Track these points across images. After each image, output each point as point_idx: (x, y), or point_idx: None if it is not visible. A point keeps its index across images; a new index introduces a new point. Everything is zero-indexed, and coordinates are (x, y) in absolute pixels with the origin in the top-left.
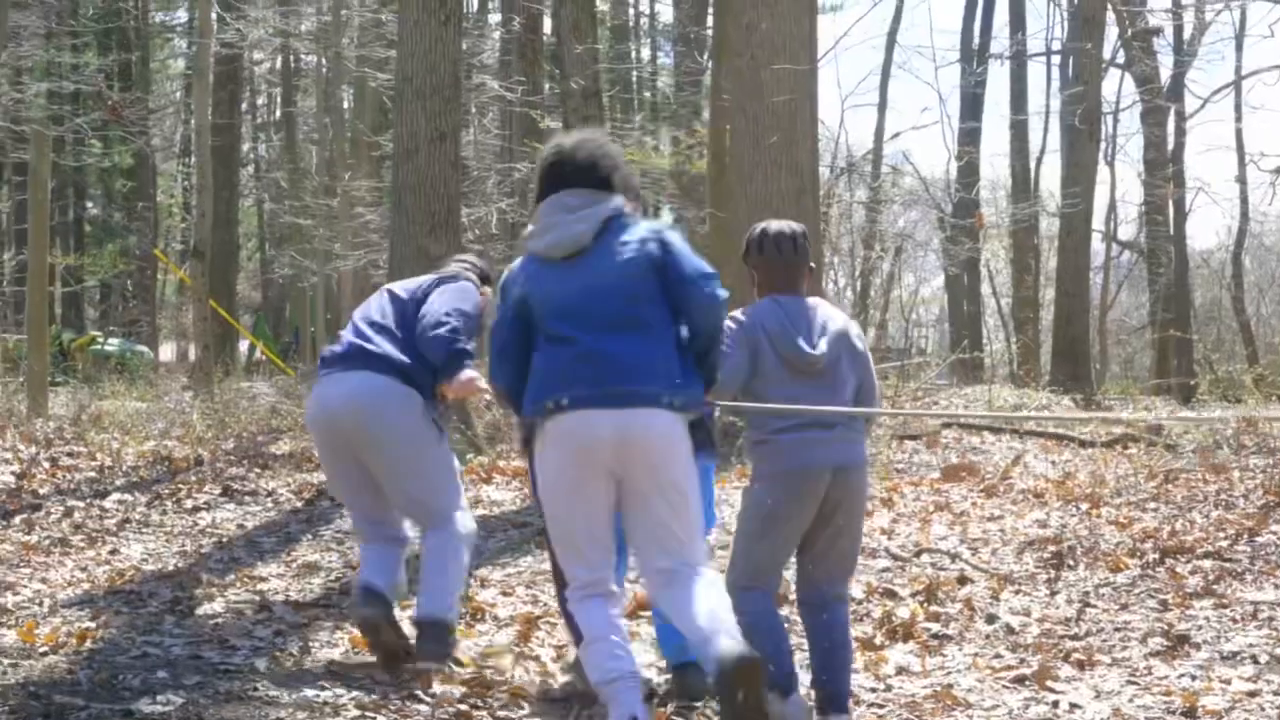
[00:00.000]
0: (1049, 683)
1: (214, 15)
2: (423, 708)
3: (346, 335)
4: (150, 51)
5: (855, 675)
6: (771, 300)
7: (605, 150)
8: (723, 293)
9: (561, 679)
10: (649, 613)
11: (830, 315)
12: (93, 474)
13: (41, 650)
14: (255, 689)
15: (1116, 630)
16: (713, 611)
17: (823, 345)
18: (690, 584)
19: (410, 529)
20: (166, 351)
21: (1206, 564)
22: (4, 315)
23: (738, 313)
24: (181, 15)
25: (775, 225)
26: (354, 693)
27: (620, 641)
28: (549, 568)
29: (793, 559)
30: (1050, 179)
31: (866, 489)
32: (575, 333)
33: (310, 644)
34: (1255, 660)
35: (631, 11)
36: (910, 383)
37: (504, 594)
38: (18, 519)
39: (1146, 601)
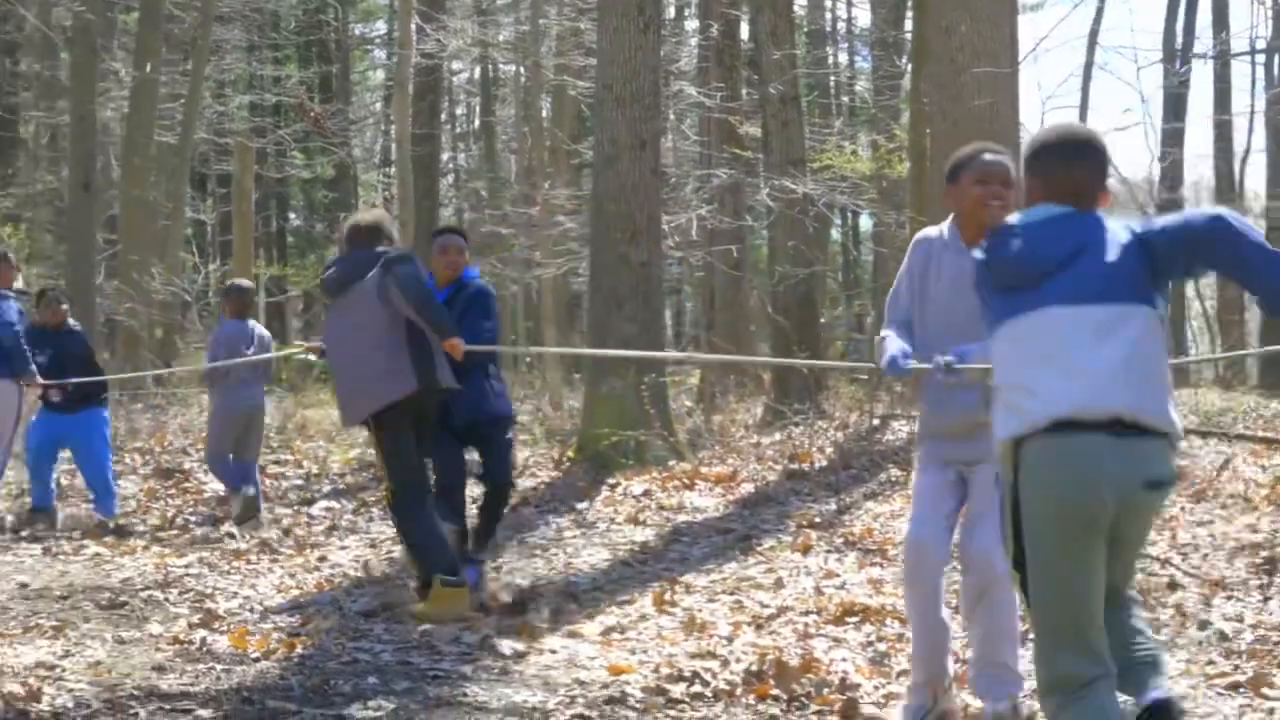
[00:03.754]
0: (1264, 690)
1: (414, 27)
2: (630, 713)
3: None
4: (350, 63)
5: None
6: None
7: None
8: None
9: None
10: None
11: None
12: (299, 482)
13: (253, 656)
14: (464, 694)
15: None
16: None
17: None
18: None
19: None
20: None
21: None
22: (210, 325)
23: None
24: (381, 27)
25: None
26: (561, 695)
27: None
28: (752, 574)
29: None
30: (1255, 179)
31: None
32: None
33: (518, 649)
34: None
35: (829, 16)
36: None
37: (709, 600)
38: (227, 526)
39: None
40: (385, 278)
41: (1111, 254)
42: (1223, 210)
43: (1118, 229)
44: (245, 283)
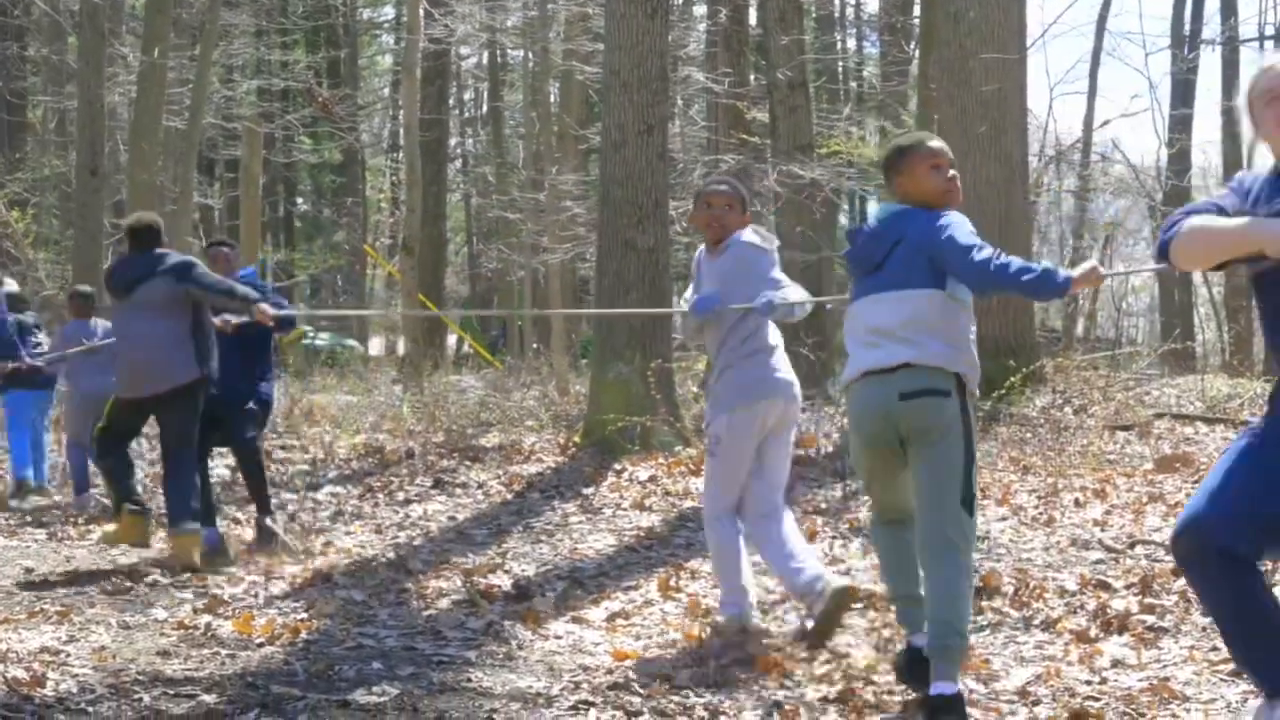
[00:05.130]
0: None
1: (422, 11)
2: (634, 699)
3: None
4: (359, 48)
5: (1070, 668)
6: None
7: None
8: None
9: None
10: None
11: None
12: (305, 467)
13: (258, 641)
14: (469, 679)
15: None
16: None
17: None
18: None
19: None
20: (375, 345)
21: None
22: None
23: None
24: (389, 12)
25: None
26: (565, 681)
27: None
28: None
29: None
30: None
31: None
32: None
33: (522, 635)
34: None
35: (837, 1)
36: (1121, 372)
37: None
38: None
39: None
40: (182, 281)
41: (914, 251)
42: (975, 257)
43: (929, 231)
44: (86, 288)
